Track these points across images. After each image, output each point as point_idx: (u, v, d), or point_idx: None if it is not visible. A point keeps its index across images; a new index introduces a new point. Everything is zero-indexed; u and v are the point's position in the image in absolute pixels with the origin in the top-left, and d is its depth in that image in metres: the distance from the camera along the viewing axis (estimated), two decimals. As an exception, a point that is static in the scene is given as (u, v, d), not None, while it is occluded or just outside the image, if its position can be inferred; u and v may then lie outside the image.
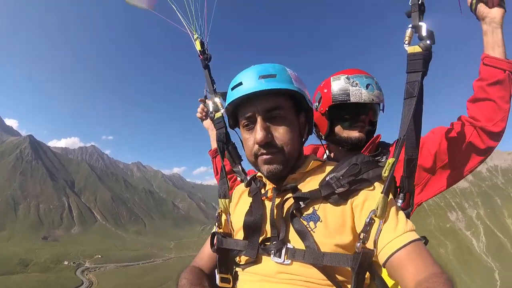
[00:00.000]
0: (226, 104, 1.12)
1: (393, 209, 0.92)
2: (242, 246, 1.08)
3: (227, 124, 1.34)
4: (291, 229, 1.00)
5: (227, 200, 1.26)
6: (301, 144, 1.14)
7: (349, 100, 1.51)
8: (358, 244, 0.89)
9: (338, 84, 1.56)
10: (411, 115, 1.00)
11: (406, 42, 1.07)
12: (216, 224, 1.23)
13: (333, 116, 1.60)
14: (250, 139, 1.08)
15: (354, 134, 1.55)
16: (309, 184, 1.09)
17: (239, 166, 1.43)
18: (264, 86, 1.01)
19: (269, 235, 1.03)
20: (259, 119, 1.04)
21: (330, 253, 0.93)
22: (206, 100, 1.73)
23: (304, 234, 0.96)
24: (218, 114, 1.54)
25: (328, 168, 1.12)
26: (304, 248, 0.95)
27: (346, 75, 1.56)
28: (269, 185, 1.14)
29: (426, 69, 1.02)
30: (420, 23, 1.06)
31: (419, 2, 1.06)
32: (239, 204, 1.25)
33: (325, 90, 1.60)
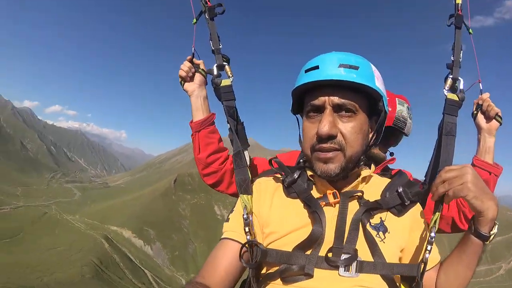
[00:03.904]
0: (296, 85, 1.00)
1: None
2: (303, 261, 0.90)
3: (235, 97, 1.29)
4: (360, 240, 0.93)
5: (250, 197, 1.07)
6: (365, 151, 1.02)
7: (403, 129, 1.62)
8: (427, 255, 0.93)
9: (402, 111, 1.62)
10: (453, 151, 1.18)
11: (447, 88, 1.25)
12: (247, 229, 0.99)
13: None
14: (311, 129, 0.97)
15: (382, 155, 1.65)
16: (369, 193, 1.02)
17: (244, 153, 1.23)
18: (344, 77, 0.90)
19: (330, 246, 0.91)
20: (328, 110, 0.93)
21: (398, 264, 0.94)
22: (194, 60, 1.50)
23: (374, 246, 0.91)
24: (226, 82, 1.33)
25: (379, 179, 1.11)
26: (372, 260, 0.91)
27: (407, 105, 1.66)
28: (322, 187, 1.03)
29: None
30: (460, 78, 1.27)
31: (461, 60, 1.35)
32: (274, 204, 1.05)
33: (390, 109, 1.59)
